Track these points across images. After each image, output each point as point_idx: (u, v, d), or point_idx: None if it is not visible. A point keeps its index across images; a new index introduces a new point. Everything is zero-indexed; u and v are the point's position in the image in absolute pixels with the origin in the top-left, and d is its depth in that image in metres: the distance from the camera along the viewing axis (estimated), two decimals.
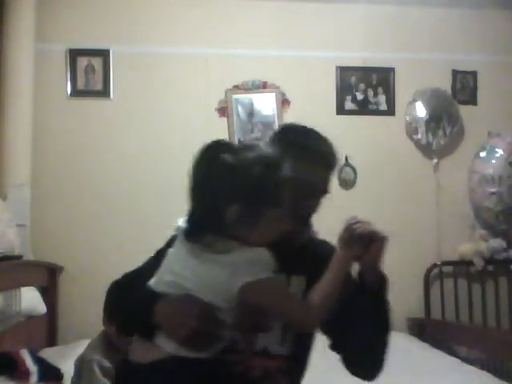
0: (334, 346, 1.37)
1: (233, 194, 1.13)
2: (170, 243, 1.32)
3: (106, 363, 1.67)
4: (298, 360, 1.34)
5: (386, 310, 1.30)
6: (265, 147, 1.23)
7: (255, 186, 1.13)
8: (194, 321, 1.12)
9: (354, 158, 3.70)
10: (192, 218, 1.23)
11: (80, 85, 3.55)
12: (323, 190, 1.33)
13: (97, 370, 1.64)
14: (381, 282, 1.30)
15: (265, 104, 3.65)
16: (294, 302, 1.22)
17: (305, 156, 1.29)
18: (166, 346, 1.16)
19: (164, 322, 1.16)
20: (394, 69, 3.80)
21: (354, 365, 1.35)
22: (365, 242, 1.23)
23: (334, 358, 1.38)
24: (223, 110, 3.62)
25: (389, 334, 1.31)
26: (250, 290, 1.12)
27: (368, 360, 1.33)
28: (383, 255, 1.27)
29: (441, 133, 3.73)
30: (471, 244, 3.71)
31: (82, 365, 1.68)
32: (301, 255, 1.31)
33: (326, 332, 1.37)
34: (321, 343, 1.39)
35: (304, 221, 1.33)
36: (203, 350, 1.15)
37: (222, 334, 1.16)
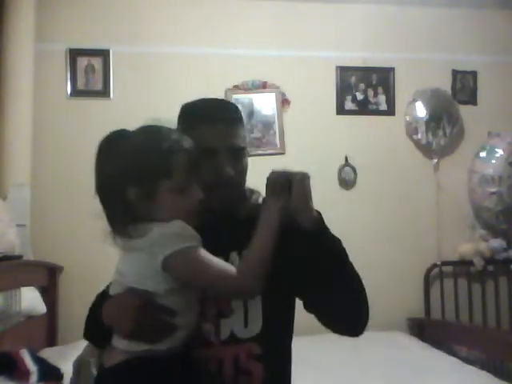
0: (307, 306, 1.29)
1: (126, 177, 1.17)
2: None
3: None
4: (271, 342, 1.24)
5: (334, 247, 1.23)
6: (153, 126, 1.29)
7: (139, 162, 1.17)
8: (133, 312, 1.12)
9: (354, 158, 3.70)
10: (107, 215, 1.27)
11: (80, 85, 3.55)
12: (214, 148, 1.24)
13: (95, 371, 1.64)
14: (316, 221, 1.22)
15: (265, 104, 3.65)
16: (220, 268, 1.12)
17: (188, 120, 1.34)
18: (120, 345, 1.15)
19: (110, 321, 1.17)
20: (393, 69, 3.80)
21: (332, 321, 1.26)
22: (285, 187, 1.18)
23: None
24: None
25: (350, 275, 1.25)
26: (169, 264, 1.10)
27: (343, 311, 1.23)
28: (308, 194, 1.20)
29: (441, 133, 3.73)
30: (471, 244, 3.71)
31: (80, 366, 1.68)
32: (241, 228, 1.19)
33: (295, 294, 1.30)
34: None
35: (216, 187, 1.23)
36: (155, 342, 1.12)
37: (170, 321, 1.12)
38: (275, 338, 1.26)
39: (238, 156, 1.28)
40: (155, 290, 1.13)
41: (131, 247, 1.17)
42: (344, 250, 1.26)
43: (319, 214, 1.24)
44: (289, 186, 1.18)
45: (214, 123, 1.28)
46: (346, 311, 1.23)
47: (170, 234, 1.11)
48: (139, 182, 1.15)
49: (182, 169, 1.15)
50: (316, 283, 1.21)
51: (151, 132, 1.26)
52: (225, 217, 1.26)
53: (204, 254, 1.12)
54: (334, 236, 1.25)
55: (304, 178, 1.19)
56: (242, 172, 1.29)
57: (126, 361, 1.13)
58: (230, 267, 1.13)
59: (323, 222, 1.24)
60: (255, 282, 1.12)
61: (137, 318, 1.12)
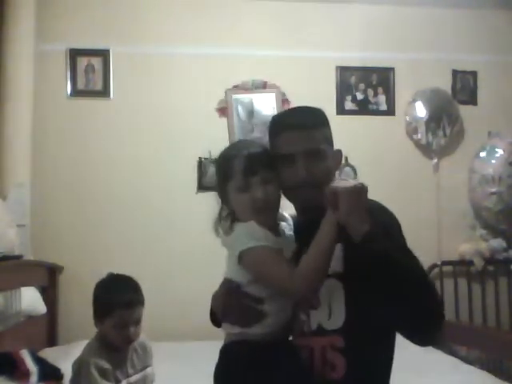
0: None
1: (216, 182, 1.40)
2: None
3: (105, 364, 1.67)
4: (355, 336, 1.26)
5: (382, 263, 1.16)
6: (240, 140, 1.47)
7: (216, 167, 1.41)
8: (222, 297, 1.35)
9: (354, 158, 3.70)
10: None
11: (80, 85, 3.55)
12: (291, 153, 1.33)
13: (95, 372, 1.64)
14: (363, 235, 1.18)
15: (265, 104, 3.65)
16: (280, 268, 1.24)
17: (271, 129, 1.42)
18: (224, 328, 1.38)
19: (213, 306, 1.42)
20: (393, 69, 3.80)
21: (405, 334, 1.22)
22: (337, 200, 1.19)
23: None
24: (223, 110, 3.62)
25: (408, 290, 1.15)
26: (242, 259, 1.28)
27: (412, 326, 1.19)
28: (353, 207, 1.18)
29: (441, 133, 3.73)
30: (471, 244, 3.71)
31: (79, 367, 1.68)
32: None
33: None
34: None
35: (295, 188, 1.33)
36: (244, 325, 1.30)
37: (256, 307, 1.28)
38: (360, 332, 1.26)
39: (314, 158, 1.32)
40: (239, 280, 1.32)
41: (225, 243, 1.35)
42: (401, 264, 1.17)
43: (377, 227, 1.20)
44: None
45: (290, 130, 1.35)
46: (416, 327, 1.19)
47: (244, 233, 1.29)
48: (217, 184, 1.39)
49: (240, 171, 1.31)
50: (373, 298, 1.19)
51: (232, 143, 1.48)
52: (310, 215, 1.34)
53: (269, 253, 1.26)
54: (388, 252, 1.17)
55: (351, 191, 1.19)
56: (320, 173, 1.32)
57: (226, 344, 1.35)
58: (288, 270, 1.23)
59: (372, 237, 1.17)
60: (304, 287, 1.22)
61: (224, 303, 1.34)
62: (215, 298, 1.41)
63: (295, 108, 1.54)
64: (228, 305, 1.33)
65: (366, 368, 1.26)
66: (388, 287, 1.16)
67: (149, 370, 1.82)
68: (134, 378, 1.75)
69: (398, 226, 1.42)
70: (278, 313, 1.30)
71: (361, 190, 1.21)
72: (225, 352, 1.34)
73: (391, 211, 1.43)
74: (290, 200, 1.39)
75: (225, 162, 1.36)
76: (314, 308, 1.30)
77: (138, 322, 1.74)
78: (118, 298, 1.71)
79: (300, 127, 1.35)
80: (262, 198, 1.30)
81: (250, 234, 1.28)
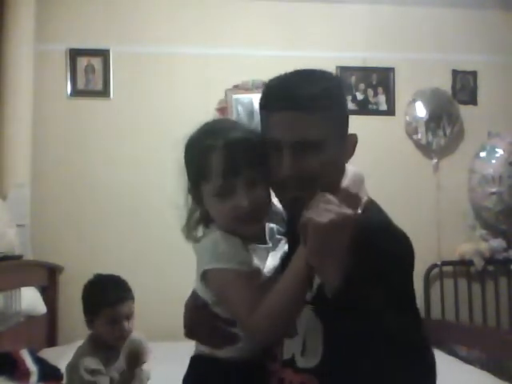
0: None
1: (186, 175, 1.12)
2: None
3: (94, 364, 1.67)
4: (330, 376, 1.00)
5: (366, 327, 0.91)
6: (212, 121, 1.20)
7: (184, 159, 1.12)
8: (186, 312, 1.17)
9: (354, 158, 3.69)
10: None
11: (80, 85, 3.55)
12: (277, 142, 1.03)
13: (85, 373, 1.64)
14: (333, 290, 0.92)
15: None
16: (242, 302, 0.99)
17: (260, 103, 1.13)
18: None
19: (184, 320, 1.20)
20: (393, 69, 3.80)
21: None
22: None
23: None
24: (223, 110, 3.61)
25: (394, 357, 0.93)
26: (205, 279, 1.07)
27: None
28: (315, 243, 0.91)
29: (441, 133, 3.73)
30: (471, 244, 3.71)
31: (71, 371, 1.69)
32: None
33: None
34: None
35: (280, 188, 1.07)
36: (211, 346, 1.11)
37: (226, 330, 1.07)
38: (338, 376, 0.97)
39: (307, 151, 1.02)
40: (205, 299, 1.11)
41: (195, 250, 1.12)
42: (379, 332, 0.92)
43: (361, 270, 0.91)
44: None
45: (282, 109, 1.03)
46: None
47: (211, 249, 1.05)
48: (188, 179, 1.11)
49: (218, 171, 1.03)
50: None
51: (207, 123, 1.15)
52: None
53: (235, 281, 1.01)
54: (364, 316, 0.92)
55: (322, 227, 0.88)
56: (314, 171, 1.03)
57: (195, 355, 1.16)
58: (250, 306, 0.98)
59: (345, 295, 0.91)
60: (263, 330, 0.98)
61: (191, 320, 1.14)
62: (186, 309, 1.20)
63: (300, 72, 1.16)
64: (196, 323, 1.13)
65: None
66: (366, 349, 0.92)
67: (144, 366, 1.83)
68: None
69: (403, 259, 1.07)
70: (249, 338, 1.06)
71: (339, 225, 0.89)
72: (193, 365, 1.17)
73: (401, 235, 1.13)
74: (277, 197, 1.12)
75: (198, 153, 1.07)
76: (290, 336, 1.07)
77: (128, 317, 1.75)
78: (105, 296, 1.73)
79: (299, 107, 1.02)
80: (247, 206, 1.03)
81: (218, 251, 1.03)
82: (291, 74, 1.17)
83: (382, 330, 0.91)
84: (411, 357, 0.96)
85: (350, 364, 0.94)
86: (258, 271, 1.06)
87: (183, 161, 1.11)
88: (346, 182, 1.09)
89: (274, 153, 1.04)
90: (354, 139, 1.16)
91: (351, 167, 1.16)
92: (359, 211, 1.08)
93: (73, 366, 1.68)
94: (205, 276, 1.06)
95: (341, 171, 1.10)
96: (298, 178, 1.03)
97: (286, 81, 1.14)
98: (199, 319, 1.12)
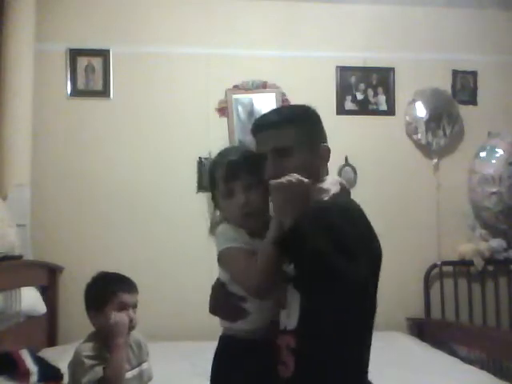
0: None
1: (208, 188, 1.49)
2: None
3: (94, 351, 1.68)
4: (306, 336, 1.26)
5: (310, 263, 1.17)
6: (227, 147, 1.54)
7: (207, 175, 1.50)
8: (211, 294, 1.45)
9: (354, 158, 3.70)
10: None
11: (80, 85, 3.55)
12: (262, 154, 1.37)
13: (86, 360, 1.65)
14: (280, 233, 1.25)
15: (265, 104, 3.65)
16: (241, 269, 1.30)
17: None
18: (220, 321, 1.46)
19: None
20: (393, 69, 3.80)
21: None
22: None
23: None
24: (223, 110, 3.61)
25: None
26: (219, 260, 1.37)
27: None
28: (276, 203, 1.26)
29: (441, 133, 3.73)
30: (471, 244, 3.71)
31: (74, 363, 1.69)
32: None
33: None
34: None
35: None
36: (229, 320, 1.39)
37: (238, 305, 1.35)
38: (310, 334, 1.25)
39: (281, 156, 1.34)
40: (222, 279, 1.41)
41: (215, 243, 1.41)
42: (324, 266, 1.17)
43: (299, 225, 1.19)
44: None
45: (261, 130, 1.40)
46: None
47: (221, 235, 1.38)
48: (209, 191, 1.48)
49: (222, 178, 1.39)
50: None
51: (221, 150, 1.50)
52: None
53: (237, 254, 1.31)
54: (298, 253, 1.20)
55: (277, 186, 1.23)
56: (286, 171, 1.29)
57: (220, 336, 1.44)
58: (247, 270, 1.28)
59: (288, 236, 1.20)
60: (256, 287, 1.27)
61: (212, 299, 1.44)
62: (211, 290, 1.48)
63: (273, 109, 1.53)
64: (216, 300, 1.43)
65: (317, 369, 1.24)
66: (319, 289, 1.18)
67: (145, 365, 1.83)
68: (130, 374, 1.75)
69: (342, 231, 1.24)
70: (261, 311, 1.35)
71: (287, 185, 1.23)
72: (218, 343, 1.45)
73: (349, 214, 1.30)
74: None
75: (211, 169, 1.46)
76: (283, 307, 1.33)
77: (135, 306, 1.79)
78: (118, 283, 1.78)
79: (268, 127, 1.38)
80: (244, 203, 1.35)
81: (225, 235, 1.36)
82: (271, 109, 1.51)
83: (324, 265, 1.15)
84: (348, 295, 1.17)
85: (320, 318, 1.21)
86: (256, 251, 1.31)
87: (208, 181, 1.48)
88: (321, 183, 1.36)
89: (264, 163, 1.36)
90: (324, 150, 1.42)
91: (332, 175, 1.45)
92: (325, 198, 1.32)
93: (74, 360, 1.68)
94: (219, 258, 1.36)
95: (313, 175, 1.33)
96: (277, 177, 1.29)
97: (266, 112, 1.48)
98: (218, 297, 1.41)
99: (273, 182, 1.26)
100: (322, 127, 1.49)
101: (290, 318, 1.30)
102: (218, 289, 1.43)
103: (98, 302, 1.74)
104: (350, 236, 1.22)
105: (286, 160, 1.33)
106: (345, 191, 1.40)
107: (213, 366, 1.44)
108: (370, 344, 1.34)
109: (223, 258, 1.36)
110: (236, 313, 1.36)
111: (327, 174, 1.43)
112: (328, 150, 1.43)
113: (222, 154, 1.46)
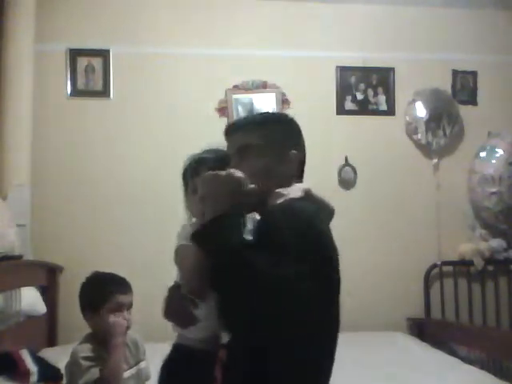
0: None
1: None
2: None
3: (90, 352, 1.68)
4: (235, 351, 1.17)
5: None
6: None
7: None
8: (165, 297, 1.41)
9: (354, 158, 3.70)
10: None
11: (80, 85, 3.55)
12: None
13: (83, 361, 1.65)
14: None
15: (265, 104, 3.65)
16: (184, 267, 1.29)
17: None
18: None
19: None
20: (393, 69, 3.80)
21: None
22: None
23: None
24: (223, 110, 3.62)
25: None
26: (174, 254, 1.37)
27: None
28: (199, 193, 1.23)
29: (441, 133, 3.73)
30: (471, 244, 3.71)
31: (71, 364, 1.69)
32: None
33: None
34: None
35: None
36: (182, 327, 1.38)
37: (189, 310, 1.30)
38: (241, 349, 1.14)
39: (244, 156, 1.29)
40: (178, 280, 1.38)
41: None
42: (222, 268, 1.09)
43: (211, 226, 1.12)
44: None
45: (228, 134, 1.37)
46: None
47: (178, 233, 1.39)
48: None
49: (189, 175, 1.44)
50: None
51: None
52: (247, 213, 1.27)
53: (187, 252, 1.23)
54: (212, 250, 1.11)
55: (203, 177, 1.21)
56: (247, 169, 1.24)
57: (173, 344, 1.44)
58: (187, 271, 1.26)
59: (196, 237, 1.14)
60: (197, 290, 1.23)
61: (166, 302, 1.39)
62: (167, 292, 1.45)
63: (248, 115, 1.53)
64: (168, 305, 1.38)
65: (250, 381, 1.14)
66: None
67: (142, 364, 1.83)
68: (127, 374, 1.76)
69: (295, 235, 1.11)
70: (211, 318, 1.28)
71: (215, 177, 1.18)
72: (170, 349, 1.46)
73: (302, 218, 1.16)
74: None
75: (183, 170, 1.51)
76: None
77: (130, 306, 1.80)
78: (109, 286, 1.78)
79: (236, 129, 1.35)
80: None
81: (182, 233, 1.38)
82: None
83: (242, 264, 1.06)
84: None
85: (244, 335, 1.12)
86: None
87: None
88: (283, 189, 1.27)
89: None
90: (293, 157, 1.32)
91: (301, 184, 1.33)
92: (280, 201, 1.23)
93: (71, 361, 1.69)
94: (174, 253, 1.36)
95: (277, 180, 1.27)
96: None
97: (233, 121, 1.51)
98: (172, 300, 1.37)
99: (208, 174, 1.21)
100: (298, 136, 1.38)
101: (221, 331, 1.23)
102: (173, 291, 1.38)
103: (94, 303, 1.75)
104: (282, 238, 1.10)
105: (248, 159, 1.27)
106: (310, 199, 1.27)
107: (160, 372, 1.43)
108: (323, 362, 1.18)
109: (175, 256, 1.36)
110: (187, 319, 1.32)
111: (300, 183, 1.32)
112: (297, 157, 1.31)
113: (198, 152, 1.51)
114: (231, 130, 1.36)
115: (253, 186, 1.20)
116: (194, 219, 1.43)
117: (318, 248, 1.13)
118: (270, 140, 1.30)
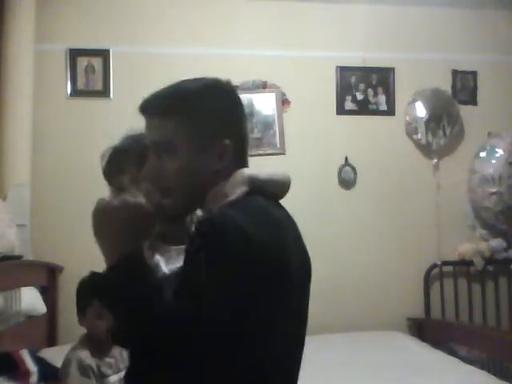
0: None
1: None
2: None
3: (86, 360, 1.68)
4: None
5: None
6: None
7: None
8: None
9: (354, 158, 3.70)
10: None
11: (80, 85, 3.55)
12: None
13: (75, 371, 1.66)
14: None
15: (265, 104, 3.65)
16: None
17: None
18: None
19: None
20: (393, 69, 3.80)
21: None
22: None
23: None
24: None
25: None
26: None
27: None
28: (96, 230, 1.02)
29: (441, 133, 3.73)
30: (471, 244, 3.71)
31: (65, 364, 1.70)
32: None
33: None
34: None
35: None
36: None
37: None
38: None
39: (159, 153, 1.04)
40: None
41: None
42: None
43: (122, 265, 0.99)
44: None
45: (143, 114, 1.10)
46: None
47: None
48: None
49: (103, 171, 1.23)
50: None
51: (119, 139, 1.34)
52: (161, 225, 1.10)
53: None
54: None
55: (96, 210, 0.97)
56: (160, 173, 1.03)
57: None
58: None
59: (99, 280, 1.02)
60: None
61: None
62: None
63: (168, 86, 1.14)
64: None
65: None
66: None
67: None
68: (115, 378, 1.77)
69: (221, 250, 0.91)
70: None
71: (99, 214, 0.97)
72: None
73: (239, 234, 0.91)
74: None
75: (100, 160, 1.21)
76: None
77: None
78: None
79: (149, 111, 1.08)
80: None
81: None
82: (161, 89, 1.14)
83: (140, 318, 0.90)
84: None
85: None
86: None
87: None
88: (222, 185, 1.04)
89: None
90: (226, 148, 1.04)
91: (243, 171, 1.06)
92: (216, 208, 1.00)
93: (66, 361, 1.69)
94: None
95: (207, 179, 1.03)
96: (154, 183, 1.05)
97: (153, 93, 1.13)
98: None
99: (99, 201, 0.98)
100: (233, 114, 1.16)
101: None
102: None
103: (81, 305, 1.77)
104: (214, 262, 0.91)
105: (168, 159, 1.03)
106: (256, 191, 1.02)
107: None
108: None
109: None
110: None
111: (241, 168, 1.06)
112: (231, 146, 1.04)
113: (120, 140, 1.20)
114: (146, 110, 1.08)
115: (167, 200, 1.01)
116: None
117: (254, 270, 0.92)
118: (195, 131, 1.03)
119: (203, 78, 1.21)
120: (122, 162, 1.14)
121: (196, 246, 0.93)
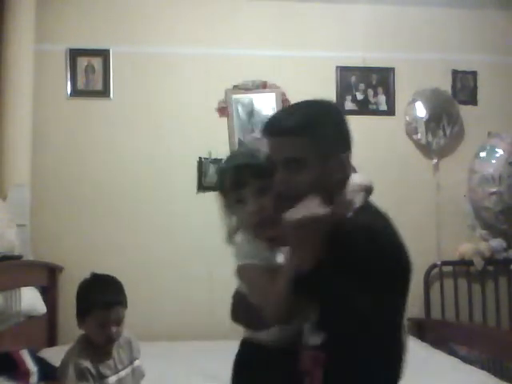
0: None
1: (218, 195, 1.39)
2: None
3: (83, 364, 1.68)
4: (333, 351, 1.18)
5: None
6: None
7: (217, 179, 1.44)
8: (232, 304, 1.40)
9: (354, 158, 3.69)
10: None
11: (80, 85, 3.55)
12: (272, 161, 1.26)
13: (72, 373, 1.66)
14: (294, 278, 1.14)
15: (265, 104, 3.65)
16: (259, 290, 1.22)
17: None
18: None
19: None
20: (393, 69, 3.80)
21: None
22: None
23: None
24: (223, 110, 3.61)
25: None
26: (236, 274, 1.29)
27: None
28: (290, 242, 1.13)
29: (441, 133, 3.73)
30: (471, 244, 3.71)
31: (62, 366, 1.70)
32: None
33: None
34: None
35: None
36: (254, 330, 1.33)
37: (256, 315, 1.22)
38: (338, 349, 1.18)
39: (290, 170, 1.19)
40: (242, 290, 1.33)
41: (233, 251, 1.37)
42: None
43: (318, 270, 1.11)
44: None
45: (269, 136, 1.26)
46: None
47: (239, 247, 1.30)
48: (219, 198, 1.37)
49: (230, 185, 1.29)
50: None
51: (230, 154, 1.49)
52: None
53: (253, 273, 1.23)
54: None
55: (291, 224, 1.09)
56: (294, 187, 1.18)
57: (242, 338, 1.38)
58: (263, 293, 1.21)
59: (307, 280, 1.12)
60: (275, 311, 1.19)
61: (233, 307, 1.40)
62: (233, 298, 1.43)
63: (288, 108, 1.34)
64: (237, 311, 1.38)
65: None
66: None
67: (136, 362, 1.84)
68: (123, 373, 1.77)
69: (375, 258, 1.18)
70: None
71: (305, 223, 1.08)
72: (240, 347, 1.39)
73: (383, 238, 1.23)
74: None
75: (220, 176, 1.38)
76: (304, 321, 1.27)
77: (118, 322, 1.76)
78: (97, 298, 1.75)
79: (278, 132, 1.23)
80: (256, 210, 1.24)
81: (241, 248, 1.27)
82: (284, 107, 1.39)
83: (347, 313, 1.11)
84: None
85: (340, 339, 1.16)
86: (275, 266, 1.23)
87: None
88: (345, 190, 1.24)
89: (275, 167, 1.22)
90: (345, 160, 1.30)
91: (357, 177, 1.34)
92: (349, 214, 1.21)
93: (62, 366, 1.70)
94: (236, 273, 1.28)
95: (332, 189, 1.22)
96: (286, 194, 1.19)
97: (279, 112, 1.39)
98: (240, 307, 1.35)
99: (288, 217, 1.10)
100: (345, 129, 1.38)
101: (313, 332, 1.21)
102: (239, 299, 1.36)
103: (81, 311, 1.76)
104: (377, 272, 1.18)
105: (299, 174, 1.18)
106: (369, 195, 1.31)
107: (234, 371, 1.37)
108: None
109: (239, 275, 1.28)
110: (258, 323, 1.28)
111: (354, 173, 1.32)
112: (343, 160, 1.31)
113: (229, 159, 1.38)
114: (275, 132, 1.23)
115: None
116: (243, 231, 1.33)
117: (399, 266, 1.30)
118: (322, 148, 1.23)
119: (317, 100, 1.46)
120: (243, 176, 1.27)
121: (343, 252, 1.09)
